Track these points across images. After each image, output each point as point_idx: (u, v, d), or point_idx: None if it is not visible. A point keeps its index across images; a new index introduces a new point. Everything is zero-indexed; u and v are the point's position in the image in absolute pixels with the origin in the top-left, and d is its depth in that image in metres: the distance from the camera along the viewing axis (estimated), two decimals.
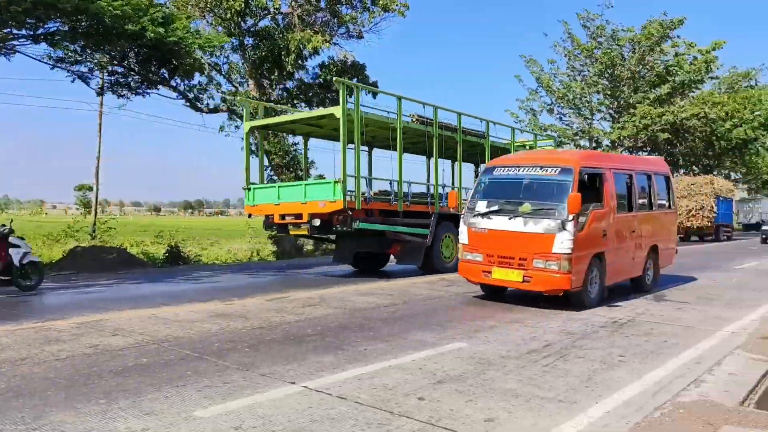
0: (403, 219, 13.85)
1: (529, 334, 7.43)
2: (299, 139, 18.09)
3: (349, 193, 12.45)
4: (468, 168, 18.69)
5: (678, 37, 37.68)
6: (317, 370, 5.62)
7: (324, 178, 16.67)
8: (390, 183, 14.28)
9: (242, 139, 15.76)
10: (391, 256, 15.15)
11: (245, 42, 18.48)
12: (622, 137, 37.32)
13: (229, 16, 17.60)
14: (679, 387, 5.25)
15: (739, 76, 46.56)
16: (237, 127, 19.94)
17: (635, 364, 6.05)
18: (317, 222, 12.81)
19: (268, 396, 4.84)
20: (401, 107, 13.86)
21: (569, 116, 40.25)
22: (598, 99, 39.51)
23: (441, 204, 14.61)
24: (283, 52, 17.86)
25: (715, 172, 52.27)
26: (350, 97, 13.05)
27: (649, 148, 43.50)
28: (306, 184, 13.70)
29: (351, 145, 12.84)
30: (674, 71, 37.82)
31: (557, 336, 7.35)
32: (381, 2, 19.02)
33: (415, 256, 14.25)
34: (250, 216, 15.56)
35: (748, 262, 19.21)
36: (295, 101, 20.50)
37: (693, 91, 40.61)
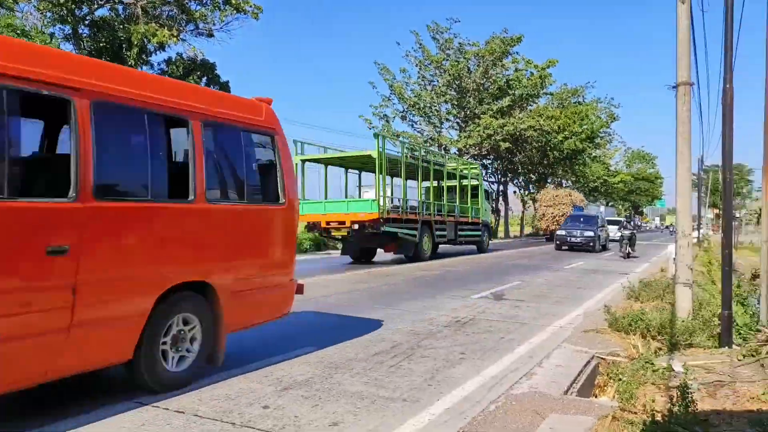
0: (404, 224, 18.92)
1: (377, 336, 7.53)
2: None
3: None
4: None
5: (517, 53, 40.73)
6: None
7: (358, 197, 22.71)
8: (398, 200, 20.67)
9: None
10: (380, 251, 20.46)
11: (80, 31, 17.04)
12: (468, 145, 39.46)
13: (61, 1, 16.13)
14: (513, 380, 5.58)
15: (569, 93, 51.27)
16: None
17: (475, 361, 6.34)
18: (356, 226, 17.66)
19: (97, 416, 4.43)
20: (403, 149, 20.92)
21: (420, 124, 41.86)
22: (446, 108, 41.50)
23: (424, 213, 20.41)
24: (124, 45, 16.72)
25: (549, 180, 57.06)
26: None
27: (492, 156, 46.47)
28: (348, 201, 19.25)
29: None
30: (514, 85, 40.78)
31: (404, 336, 7.53)
32: (233, 2, 18.47)
33: (408, 250, 19.57)
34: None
35: (575, 263, 21.08)
36: None
37: (530, 105, 44.06)
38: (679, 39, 8.49)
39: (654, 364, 6.34)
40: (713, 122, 79.08)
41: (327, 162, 21.24)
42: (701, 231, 42.39)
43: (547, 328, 8.34)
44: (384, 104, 40.63)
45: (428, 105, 40.56)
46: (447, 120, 42.14)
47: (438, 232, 21.22)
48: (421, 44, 39.74)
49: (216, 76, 20.12)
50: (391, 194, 20.95)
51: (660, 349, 7.41)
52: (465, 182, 25.10)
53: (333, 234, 19.36)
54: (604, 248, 29.72)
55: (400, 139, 40.31)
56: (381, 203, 17.74)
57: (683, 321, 8.04)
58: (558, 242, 29.05)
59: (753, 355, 6.71)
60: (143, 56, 17.30)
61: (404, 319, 8.83)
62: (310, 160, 20.12)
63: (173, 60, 18.71)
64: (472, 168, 27.22)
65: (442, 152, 25.40)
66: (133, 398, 4.83)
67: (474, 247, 25.68)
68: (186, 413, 4.51)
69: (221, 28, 19.45)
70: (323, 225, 18.75)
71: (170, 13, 17.87)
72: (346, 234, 18.57)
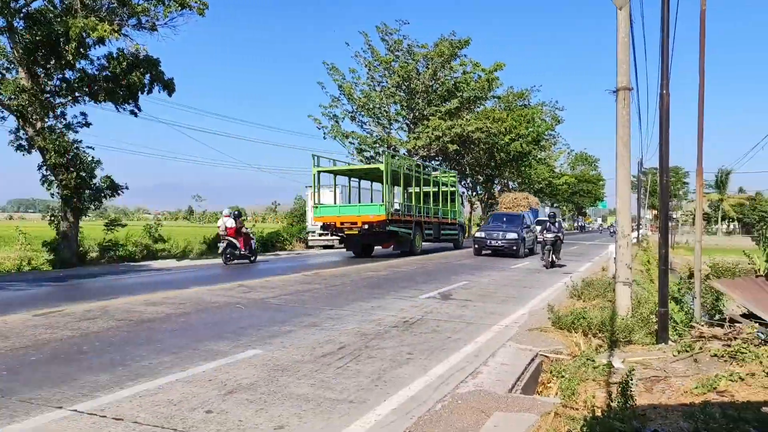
0: (402, 224, 23.06)
1: (324, 338, 7.47)
2: (80, 137, 21.15)
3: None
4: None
5: (465, 56, 41.24)
6: (91, 391, 5.06)
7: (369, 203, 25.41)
8: (399, 204, 24.61)
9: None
10: (379, 247, 25.10)
11: (15, 25, 16.26)
12: (417, 146, 39.70)
13: None
14: (459, 379, 5.63)
15: (515, 96, 52.31)
16: (2, 118, 17.52)
17: (422, 361, 6.36)
18: (366, 226, 21.71)
19: (28, 425, 4.24)
20: (404, 163, 25.64)
21: (369, 124, 41.87)
22: (395, 109, 41.65)
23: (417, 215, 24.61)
24: (62, 39, 16.06)
25: (496, 181, 58.07)
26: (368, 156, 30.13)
27: (440, 158, 46.93)
28: (360, 206, 23.57)
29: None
30: (462, 87, 41.25)
31: (352, 338, 7.50)
32: None
33: (404, 246, 24.09)
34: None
35: (521, 262, 21.48)
36: (77, 94, 18.53)
37: (478, 107, 44.69)
38: (619, 45, 8.75)
39: (595, 361, 6.52)
40: (651, 126, 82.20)
41: (338, 173, 24.95)
42: (641, 231, 43.98)
43: (493, 327, 8.45)
44: (333, 104, 40.47)
45: (377, 106, 40.61)
46: (396, 121, 42.29)
47: (426, 231, 25.69)
48: (370, 45, 39.78)
49: (160, 72, 19.56)
50: (392, 200, 24.19)
51: (601, 346, 7.63)
52: (444, 189, 29.07)
53: (346, 232, 22.83)
54: (531, 252, 25.72)
55: (349, 140, 40.34)
56: (387, 207, 21.76)
57: (623, 319, 8.29)
58: (477, 246, 24.71)
59: (687, 351, 6.97)
60: (82, 51, 16.65)
61: (352, 320, 8.80)
62: (324, 171, 23.82)
63: (114, 56, 18.11)
64: (450, 177, 30.86)
65: (426, 163, 31.41)
66: (67, 406, 4.64)
67: (451, 244, 30.03)
68: (125, 420, 4.36)
69: (165, 23, 18.88)
70: (338, 225, 22.62)
71: (110, 6, 17.26)
72: (357, 232, 22.49)
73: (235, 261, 19.42)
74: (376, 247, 25.17)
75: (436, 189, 28.22)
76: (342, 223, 22.42)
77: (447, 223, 28.25)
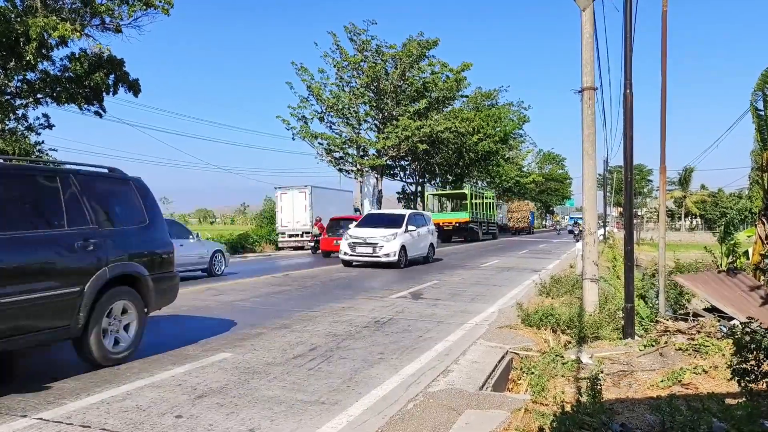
0: (474, 224, 40.54)
1: (295, 339, 7.44)
2: (42, 139, 21.07)
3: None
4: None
5: (433, 56, 41.43)
6: (57, 398, 4.95)
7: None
8: (473, 212, 41.45)
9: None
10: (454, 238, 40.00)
11: None
12: (386, 147, 39.74)
13: None
14: (430, 378, 5.65)
15: (482, 96, 52.75)
16: None
17: (393, 360, 6.38)
18: (457, 224, 39.27)
19: None
20: (475, 188, 45.42)
21: (338, 125, 41.76)
22: (364, 110, 41.61)
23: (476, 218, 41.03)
24: (21, 39, 15.66)
25: (465, 180, 58.49)
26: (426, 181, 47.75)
27: (409, 158, 47.06)
28: (453, 213, 41.65)
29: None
30: (430, 88, 41.44)
31: (323, 339, 7.47)
32: None
33: (474, 236, 40.33)
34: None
35: (491, 261, 21.69)
36: (39, 95, 18.09)
37: (446, 107, 44.93)
38: (584, 46, 8.90)
39: (564, 357, 6.62)
40: (616, 125, 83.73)
41: (438, 195, 47.10)
42: (606, 228, 44.70)
43: (464, 326, 8.51)
44: (302, 105, 40.25)
45: (346, 106, 40.53)
46: (365, 121, 42.26)
47: (482, 228, 42.62)
48: (338, 45, 39.67)
49: (125, 73, 19.23)
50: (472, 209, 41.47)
51: (569, 342, 7.74)
52: (489, 201, 46.27)
53: (444, 228, 38.28)
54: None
55: (318, 140, 40.17)
56: (470, 214, 40.22)
57: (590, 315, 8.44)
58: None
59: (653, 345, 7.13)
60: (43, 51, 16.25)
61: (323, 321, 8.78)
62: (433, 195, 45.28)
63: (77, 56, 17.71)
64: (491, 193, 48.56)
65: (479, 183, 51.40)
66: (32, 414, 4.54)
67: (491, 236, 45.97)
68: (92, 427, 4.27)
69: (130, 23, 18.57)
70: (442, 223, 38.24)
71: (72, 6, 16.88)
72: (451, 228, 39.81)
73: None
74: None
75: (483, 201, 44.81)
76: (444, 222, 39.03)
77: (491, 222, 46.01)
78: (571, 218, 56.81)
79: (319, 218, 27.97)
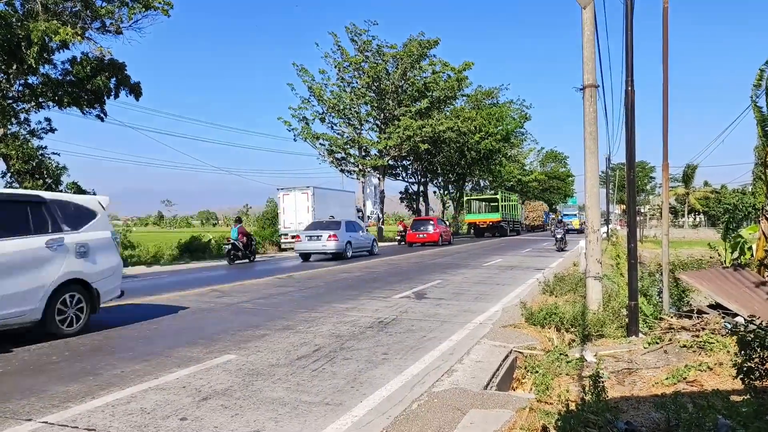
0: (504, 222, 47.58)
1: (299, 340, 7.44)
2: (44, 143, 20.77)
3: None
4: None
5: (434, 56, 41.44)
6: (62, 402, 4.97)
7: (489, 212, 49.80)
8: (504, 212, 49.20)
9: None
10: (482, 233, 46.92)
11: None
12: (388, 147, 39.76)
13: None
14: (435, 378, 5.65)
15: (483, 95, 52.72)
16: None
17: (397, 361, 6.37)
18: (490, 223, 46.84)
19: None
20: (505, 193, 52.21)
21: (340, 125, 41.82)
22: (366, 110, 41.65)
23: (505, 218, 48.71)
24: (23, 43, 15.69)
25: (467, 179, 58.46)
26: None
27: (411, 158, 47.06)
28: (487, 213, 48.86)
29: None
30: (432, 87, 41.45)
31: (327, 340, 7.47)
32: None
33: (503, 233, 47.18)
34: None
35: (494, 260, 21.67)
36: (41, 99, 18.13)
37: (448, 107, 44.95)
38: (585, 44, 8.88)
39: (568, 356, 6.61)
40: (618, 123, 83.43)
41: (471, 198, 53.02)
42: (609, 226, 44.67)
43: (467, 325, 8.50)
44: (303, 106, 40.30)
45: (348, 107, 40.57)
46: (367, 122, 42.31)
47: (509, 226, 48.51)
48: (339, 46, 39.72)
49: (126, 76, 19.27)
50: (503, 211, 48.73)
51: (573, 340, 7.73)
52: (513, 203, 52.42)
53: (481, 226, 47.38)
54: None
55: (320, 141, 40.18)
56: (502, 214, 46.68)
57: (594, 313, 8.42)
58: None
59: (657, 343, 7.11)
60: (45, 55, 16.29)
61: (327, 322, 8.78)
62: (471, 199, 52.18)
63: (78, 60, 17.75)
64: (515, 197, 55.05)
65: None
66: (37, 418, 4.55)
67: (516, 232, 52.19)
68: (97, 430, 4.28)
69: (130, 25, 18.61)
70: (479, 222, 47.82)
71: (73, 10, 16.91)
72: (485, 226, 46.95)
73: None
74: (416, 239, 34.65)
75: (510, 204, 51.03)
76: (480, 222, 47.57)
77: (516, 221, 52.12)
78: (564, 215, 54.51)
79: (402, 219, 47.96)
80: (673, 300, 12.08)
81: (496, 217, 46.93)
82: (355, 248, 24.25)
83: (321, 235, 22.67)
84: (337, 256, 23.17)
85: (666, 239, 11.36)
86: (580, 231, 50.42)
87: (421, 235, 33.22)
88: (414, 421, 4.44)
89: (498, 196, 48.38)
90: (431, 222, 34.61)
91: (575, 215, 58.28)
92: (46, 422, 4.47)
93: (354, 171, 42.38)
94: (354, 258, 23.49)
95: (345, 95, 40.27)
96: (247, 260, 22.64)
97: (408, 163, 49.57)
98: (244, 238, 22.55)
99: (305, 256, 23.48)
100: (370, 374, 5.81)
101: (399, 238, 37.06)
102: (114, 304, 10.76)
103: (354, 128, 41.67)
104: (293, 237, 30.16)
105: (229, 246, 21.94)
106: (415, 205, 53.04)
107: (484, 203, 51.65)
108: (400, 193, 53.64)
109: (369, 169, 41.81)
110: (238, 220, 23.68)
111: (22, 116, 18.27)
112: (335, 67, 40.33)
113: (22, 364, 6.37)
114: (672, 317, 9.27)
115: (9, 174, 17.54)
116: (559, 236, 27.76)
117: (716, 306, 9.75)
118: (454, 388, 5.29)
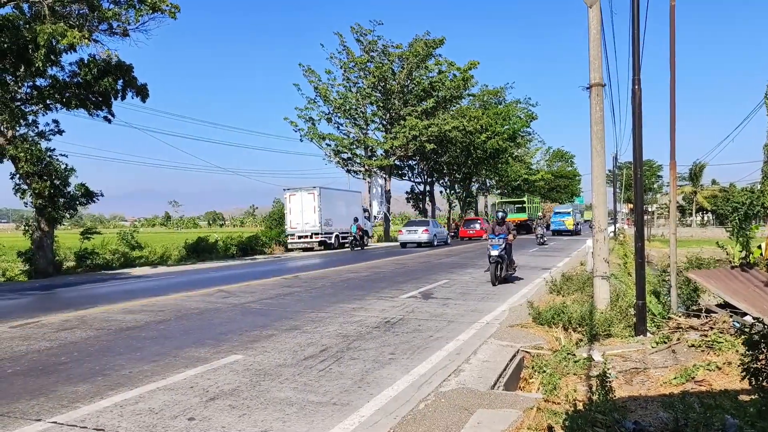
0: (530, 221, 50.49)
1: (306, 340, 7.45)
2: (53, 144, 21.21)
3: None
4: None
5: (440, 56, 41.39)
6: (71, 402, 4.99)
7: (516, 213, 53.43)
8: (531, 213, 54.32)
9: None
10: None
11: None
12: (394, 147, 39.74)
13: None
14: (442, 378, 5.64)
15: (490, 94, 52.61)
16: None
17: (404, 361, 6.37)
18: (519, 222, 48.69)
19: None
20: (529, 196, 60.76)
21: (346, 126, 41.84)
22: (372, 110, 41.65)
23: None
24: (30, 46, 15.77)
25: (474, 179, 58.35)
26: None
27: (417, 158, 47.00)
28: (515, 214, 51.82)
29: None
30: (437, 87, 41.39)
31: (333, 340, 7.48)
32: (149, 0, 17.81)
33: (529, 231, 47.45)
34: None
35: None
36: (49, 101, 18.22)
37: (454, 106, 44.87)
38: (591, 42, 8.86)
39: (575, 356, 6.59)
40: (625, 121, 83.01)
41: (502, 201, 58.53)
42: (617, 225, 44.47)
43: (475, 325, 8.50)
44: (309, 107, 40.33)
45: (354, 107, 40.58)
46: (373, 122, 42.30)
47: (533, 224, 47.32)
48: (345, 46, 39.73)
49: (133, 78, 19.35)
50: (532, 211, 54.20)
51: (581, 340, 7.71)
52: (536, 205, 57.99)
53: (514, 223, 39.46)
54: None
55: (326, 142, 40.18)
56: (529, 214, 52.05)
57: (602, 312, 8.40)
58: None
59: (665, 342, 7.08)
60: (52, 57, 16.37)
61: (334, 322, 8.79)
62: (502, 202, 57.88)
63: (86, 62, 17.84)
64: (538, 199, 64.19)
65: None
66: (46, 418, 4.57)
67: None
68: (106, 430, 4.30)
69: (137, 27, 18.67)
70: (515, 220, 46.61)
71: (80, 12, 16.98)
72: (519, 224, 46.58)
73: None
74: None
75: (533, 205, 56.32)
76: (515, 222, 45.29)
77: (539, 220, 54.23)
78: (555, 213, 52.00)
79: (456, 219, 55.31)
80: (681, 299, 12.03)
81: (523, 216, 51.43)
82: (438, 239, 34.24)
83: (417, 230, 32.93)
84: (427, 244, 32.57)
85: (674, 238, 11.31)
86: (575, 232, 48.23)
87: (471, 231, 42.50)
88: (421, 421, 4.44)
89: (525, 199, 55.83)
90: (478, 221, 44.52)
91: (569, 214, 51.23)
92: (55, 422, 4.49)
93: (360, 171, 42.39)
94: (437, 246, 32.96)
95: (351, 95, 40.29)
96: (360, 248, 31.76)
97: (414, 162, 49.53)
98: (360, 232, 32.26)
99: (403, 245, 33.03)
100: (377, 374, 5.81)
101: (452, 234, 41.70)
102: (121, 306, 10.82)
103: (360, 128, 41.67)
104: (300, 237, 30.30)
105: (351, 238, 32.13)
106: (421, 205, 52.97)
107: (513, 205, 57.35)
108: (407, 192, 53.60)
109: (375, 169, 41.81)
110: (356, 220, 32.53)
111: (30, 118, 18.38)
112: (341, 67, 40.35)
113: (31, 364, 6.41)
114: (680, 316, 9.23)
115: (17, 176, 17.66)
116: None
117: (725, 305, 9.70)
118: (462, 388, 5.28)
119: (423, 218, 41.92)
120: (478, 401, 4.87)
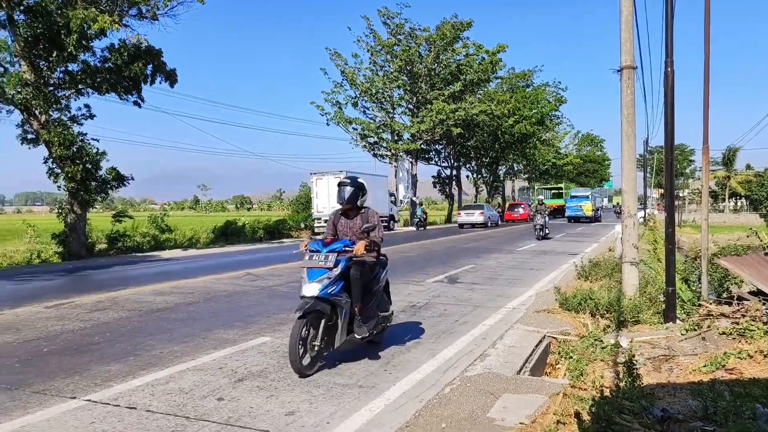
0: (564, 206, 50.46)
1: None
2: (84, 129, 20.96)
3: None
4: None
5: (468, 38, 40.91)
6: (104, 381, 5.13)
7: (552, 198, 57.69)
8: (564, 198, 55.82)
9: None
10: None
11: (15, 18, 16.19)
12: (420, 131, 39.55)
13: None
14: (467, 362, 5.65)
15: (517, 77, 51.91)
16: (9, 112, 17.47)
17: (430, 345, 6.40)
18: (556, 206, 51.05)
19: (42, 416, 4.29)
20: (564, 183, 66.34)
21: (372, 110, 41.71)
22: (398, 94, 41.43)
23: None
24: (63, 31, 16.00)
25: (501, 163, 57.86)
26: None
27: (444, 142, 46.71)
28: (552, 200, 56.46)
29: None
30: (465, 70, 40.96)
31: None
32: None
33: (562, 214, 47.84)
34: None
35: (528, 245, 21.48)
36: (80, 86, 18.50)
37: (481, 89, 44.39)
38: (622, 24, 8.67)
39: (603, 342, 6.54)
40: (657, 105, 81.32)
41: (541, 187, 63.51)
42: (647, 210, 43.71)
43: (501, 310, 8.47)
44: (336, 90, 40.28)
45: (380, 90, 40.41)
46: (399, 106, 42.10)
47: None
48: (372, 29, 39.50)
49: (162, 63, 19.54)
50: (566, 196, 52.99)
51: (608, 326, 7.64)
52: (567, 191, 56.29)
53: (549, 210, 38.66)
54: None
55: (353, 126, 40.14)
56: (564, 200, 51.42)
57: (630, 299, 8.30)
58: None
59: (695, 329, 6.98)
60: (83, 43, 16.60)
61: None
62: (544, 188, 62.82)
63: (116, 47, 18.06)
64: (572, 185, 66.33)
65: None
66: (81, 396, 4.70)
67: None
68: (138, 409, 4.41)
69: (166, 12, 18.83)
70: (552, 205, 48.14)
71: None
72: (552, 209, 43.71)
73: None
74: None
75: (569, 191, 54.34)
76: (548, 206, 39.75)
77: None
78: (572, 197, 47.12)
79: (499, 203, 58.21)
80: (712, 286, 11.84)
81: (561, 202, 54.14)
82: (491, 221, 39.01)
83: (474, 212, 37.94)
84: (481, 225, 37.23)
85: (705, 224, 11.11)
86: (595, 218, 44.21)
87: (515, 215, 46.58)
88: (446, 404, 4.46)
89: (562, 185, 61.08)
90: (522, 206, 48.52)
91: (587, 198, 45.36)
92: (89, 400, 4.62)
93: (386, 155, 42.31)
94: (489, 228, 36.85)
95: (377, 79, 40.11)
96: (423, 228, 37.01)
97: (441, 147, 49.26)
98: (425, 215, 38.22)
99: (461, 226, 37.84)
100: (402, 358, 5.85)
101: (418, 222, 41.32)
102: (152, 287, 11.03)
103: (386, 112, 41.52)
104: (326, 221, 30.45)
105: (418, 219, 37.66)
106: (447, 189, 52.76)
107: (551, 191, 61.19)
108: (433, 177, 53.41)
109: (401, 154, 41.69)
110: (421, 204, 38.78)
111: (63, 103, 18.67)
112: (368, 51, 40.16)
113: (65, 343, 6.59)
114: (711, 303, 9.09)
115: (51, 160, 18.01)
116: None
117: (758, 293, 9.51)
118: (487, 373, 5.29)
119: (476, 203, 47.28)
120: (503, 386, 4.87)
